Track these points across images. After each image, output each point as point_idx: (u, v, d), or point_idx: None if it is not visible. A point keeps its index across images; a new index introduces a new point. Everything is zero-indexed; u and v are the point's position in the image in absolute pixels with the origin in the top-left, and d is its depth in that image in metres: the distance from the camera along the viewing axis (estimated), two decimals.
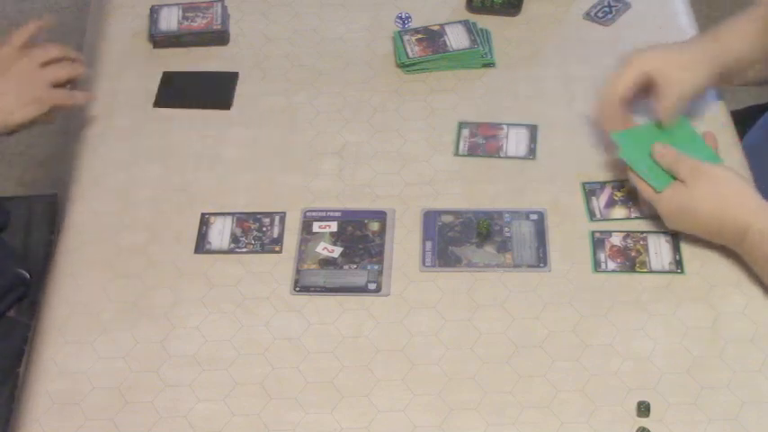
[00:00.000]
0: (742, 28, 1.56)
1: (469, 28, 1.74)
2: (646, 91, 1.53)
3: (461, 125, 1.62)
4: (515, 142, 1.59)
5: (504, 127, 1.62)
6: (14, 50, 1.57)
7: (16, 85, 1.54)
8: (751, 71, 1.59)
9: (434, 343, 1.36)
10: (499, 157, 1.58)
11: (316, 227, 1.49)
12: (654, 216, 1.48)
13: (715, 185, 1.40)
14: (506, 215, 1.50)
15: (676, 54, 1.53)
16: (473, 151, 1.59)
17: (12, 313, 1.65)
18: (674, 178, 1.42)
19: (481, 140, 1.60)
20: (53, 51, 1.59)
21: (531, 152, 1.58)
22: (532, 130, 1.61)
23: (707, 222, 1.41)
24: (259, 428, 1.29)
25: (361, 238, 1.48)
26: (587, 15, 1.81)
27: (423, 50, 1.71)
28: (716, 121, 1.61)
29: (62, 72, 1.58)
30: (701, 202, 1.40)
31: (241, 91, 1.70)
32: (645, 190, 1.45)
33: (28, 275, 1.66)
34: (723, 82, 1.58)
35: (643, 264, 1.43)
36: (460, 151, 1.59)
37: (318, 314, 1.40)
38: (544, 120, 1.63)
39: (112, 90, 1.70)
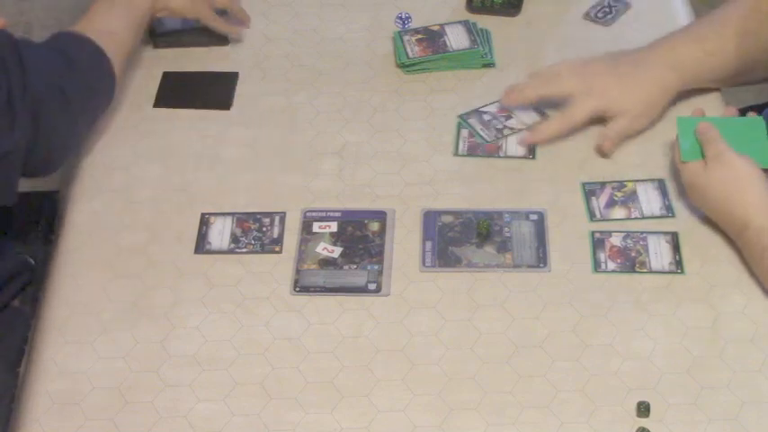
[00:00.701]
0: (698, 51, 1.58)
1: (469, 28, 1.74)
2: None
3: (461, 125, 1.62)
4: (515, 142, 1.59)
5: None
6: None
7: None
8: (731, 81, 1.63)
9: (434, 343, 1.36)
10: (499, 157, 1.58)
11: (316, 227, 1.49)
12: (654, 216, 1.48)
13: (730, 174, 1.42)
14: (506, 215, 1.50)
15: (636, 98, 1.56)
16: (473, 151, 1.59)
17: (16, 303, 1.65)
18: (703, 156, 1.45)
19: (480, 140, 1.60)
20: None
21: (531, 152, 1.58)
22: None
23: (714, 207, 1.43)
24: (259, 428, 1.29)
25: (361, 239, 1.48)
26: (587, 15, 1.81)
27: (423, 50, 1.71)
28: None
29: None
30: (713, 186, 1.42)
31: (241, 91, 1.70)
32: (675, 154, 1.48)
33: (32, 261, 1.66)
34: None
35: (643, 264, 1.43)
36: (460, 151, 1.59)
37: (318, 314, 1.40)
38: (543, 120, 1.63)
39: None
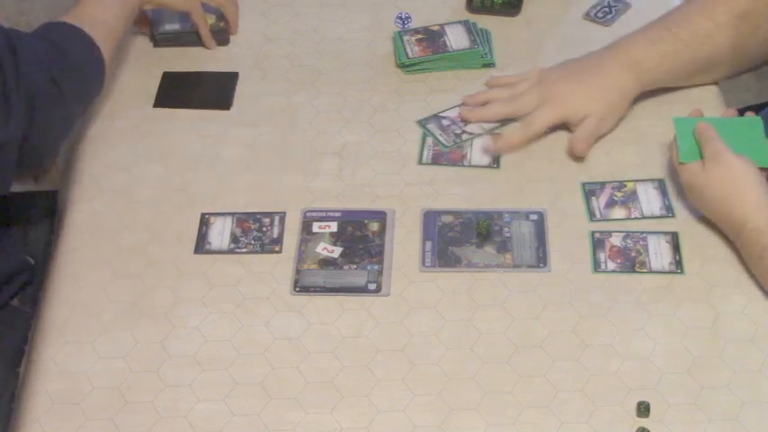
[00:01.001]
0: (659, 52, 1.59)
1: (469, 28, 1.74)
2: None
3: (425, 133, 1.62)
4: (479, 151, 1.59)
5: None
6: None
7: None
8: (688, 81, 1.64)
9: (434, 343, 1.36)
10: (463, 165, 1.57)
11: (316, 227, 1.49)
12: (654, 216, 1.48)
13: (728, 174, 1.42)
14: (506, 215, 1.50)
15: (597, 102, 1.57)
16: (437, 160, 1.58)
17: (15, 303, 1.65)
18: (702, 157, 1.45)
19: (445, 149, 1.59)
20: None
21: (496, 161, 1.57)
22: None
23: (712, 207, 1.43)
24: (259, 428, 1.29)
25: (361, 239, 1.48)
26: (587, 15, 1.81)
27: (423, 50, 1.71)
28: None
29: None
30: (711, 186, 1.43)
31: (241, 91, 1.70)
32: (672, 155, 1.49)
33: (32, 261, 1.66)
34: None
35: (643, 264, 1.44)
36: (424, 160, 1.58)
37: (318, 314, 1.40)
38: None
39: (112, 90, 1.70)
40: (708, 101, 1.64)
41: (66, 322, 1.39)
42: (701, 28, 1.58)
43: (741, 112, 1.69)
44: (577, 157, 1.56)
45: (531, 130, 1.57)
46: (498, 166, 1.57)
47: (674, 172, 1.51)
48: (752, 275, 1.41)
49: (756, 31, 1.58)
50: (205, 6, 1.79)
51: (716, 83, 1.66)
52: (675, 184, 1.52)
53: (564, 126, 1.61)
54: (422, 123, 1.62)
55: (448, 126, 1.61)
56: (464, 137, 1.60)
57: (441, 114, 1.64)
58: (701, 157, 1.45)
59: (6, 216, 1.70)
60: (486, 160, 1.58)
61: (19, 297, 1.66)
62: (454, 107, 1.64)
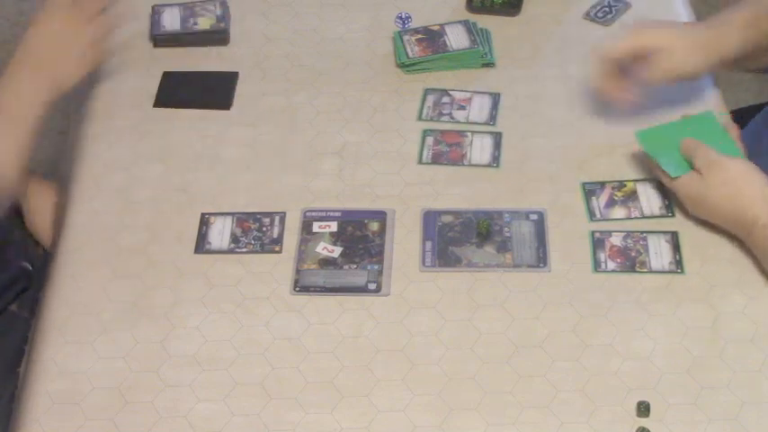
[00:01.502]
0: (737, 19, 1.56)
1: (469, 28, 1.74)
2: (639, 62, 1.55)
3: (426, 132, 1.62)
4: (478, 150, 1.59)
5: (469, 135, 1.61)
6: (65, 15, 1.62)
7: (67, 47, 1.60)
8: (752, 62, 1.60)
9: (434, 343, 1.36)
10: (463, 165, 1.57)
11: (316, 227, 1.49)
12: (654, 216, 1.48)
13: (728, 176, 1.41)
14: (506, 215, 1.50)
15: (680, 37, 1.54)
16: (437, 159, 1.58)
17: (14, 308, 1.65)
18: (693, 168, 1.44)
19: (445, 148, 1.60)
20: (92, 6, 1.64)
21: (496, 160, 1.57)
22: (497, 137, 1.61)
23: (719, 212, 1.43)
24: (259, 428, 1.29)
25: (361, 238, 1.48)
26: (587, 15, 1.81)
27: (423, 50, 1.71)
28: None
29: (102, 30, 1.64)
30: (713, 192, 1.42)
31: (241, 91, 1.70)
32: (662, 177, 1.48)
33: (30, 267, 1.66)
34: (722, 68, 1.59)
35: (643, 264, 1.44)
36: (424, 159, 1.58)
37: (318, 314, 1.40)
38: (543, 120, 1.63)
39: (112, 90, 1.70)
40: (708, 101, 1.64)
41: (67, 322, 1.39)
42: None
43: (741, 111, 1.69)
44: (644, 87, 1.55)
45: (613, 49, 1.53)
46: (498, 166, 1.57)
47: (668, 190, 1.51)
48: (752, 275, 1.41)
49: None
50: (205, 6, 1.79)
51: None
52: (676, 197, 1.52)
53: (565, 126, 1.61)
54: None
55: (444, 103, 1.63)
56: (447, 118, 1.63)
57: (448, 90, 1.66)
58: (691, 168, 1.44)
59: (7, 223, 1.70)
60: (486, 159, 1.58)
61: (17, 303, 1.66)
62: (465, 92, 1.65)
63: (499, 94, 1.66)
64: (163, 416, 1.30)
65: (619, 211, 1.50)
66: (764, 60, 1.62)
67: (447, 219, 1.50)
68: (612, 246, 1.45)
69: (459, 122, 1.63)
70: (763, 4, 1.57)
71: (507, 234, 1.48)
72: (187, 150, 1.61)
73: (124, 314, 1.40)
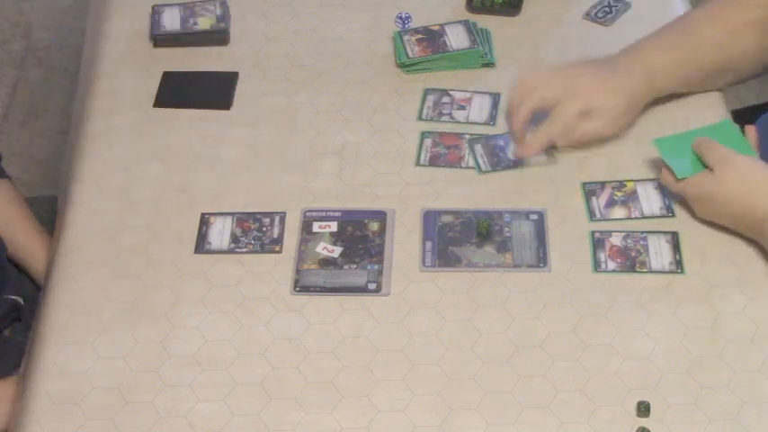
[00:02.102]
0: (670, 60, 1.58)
1: (469, 28, 1.74)
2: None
3: (424, 134, 1.62)
4: (475, 153, 1.59)
5: (467, 136, 1.61)
6: None
7: None
8: (699, 87, 1.63)
9: (434, 343, 1.36)
10: (461, 167, 1.57)
11: (316, 227, 1.49)
12: (654, 216, 1.48)
13: (741, 173, 1.41)
14: (506, 215, 1.50)
15: (617, 99, 1.55)
16: (435, 161, 1.58)
17: (7, 333, 1.65)
18: (703, 168, 1.44)
19: (443, 150, 1.60)
20: None
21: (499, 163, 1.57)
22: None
23: (729, 210, 1.42)
24: (259, 428, 1.29)
25: (361, 238, 1.48)
26: (587, 15, 1.81)
27: (423, 50, 1.71)
28: (717, 118, 1.60)
29: None
30: (726, 189, 1.42)
31: (241, 91, 1.70)
32: (669, 182, 1.47)
33: (22, 301, 1.66)
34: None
35: (643, 264, 1.44)
36: (422, 161, 1.58)
37: (318, 314, 1.40)
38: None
39: (112, 90, 1.70)
40: (708, 100, 1.64)
41: (66, 322, 1.39)
42: (713, 35, 1.57)
43: (741, 111, 1.69)
44: (559, 147, 1.55)
45: (556, 124, 1.53)
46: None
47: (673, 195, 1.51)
48: (752, 275, 1.41)
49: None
50: (205, 6, 1.79)
51: (730, 85, 1.65)
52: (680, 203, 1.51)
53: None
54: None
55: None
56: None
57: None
58: (698, 169, 1.44)
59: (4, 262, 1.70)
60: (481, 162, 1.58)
61: (10, 329, 1.66)
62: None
63: (499, 94, 1.66)
64: (163, 416, 1.30)
65: (619, 211, 1.50)
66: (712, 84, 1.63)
67: (447, 219, 1.50)
68: (612, 246, 1.45)
69: (459, 122, 1.63)
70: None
71: (507, 234, 1.48)
72: (187, 150, 1.61)
73: (124, 314, 1.40)
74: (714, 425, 1.27)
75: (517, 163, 1.56)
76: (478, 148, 1.58)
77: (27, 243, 1.70)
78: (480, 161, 1.57)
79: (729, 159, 1.42)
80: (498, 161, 1.57)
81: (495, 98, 1.66)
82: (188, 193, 1.55)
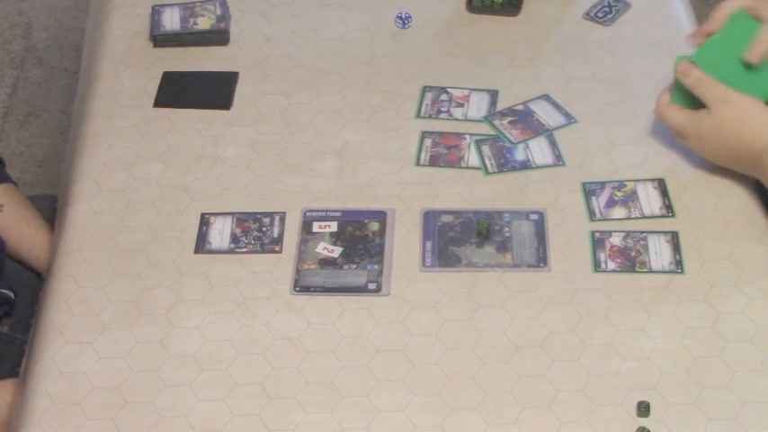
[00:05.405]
0: None
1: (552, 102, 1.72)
2: None
3: (424, 134, 1.62)
4: (475, 153, 1.58)
5: (467, 137, 1.61)
6: None
7: None
8: None
9: (434, 343, 1.36)
10: (460, 167, 1.57)
11: (316, 227, 1.49)
12: (654, 216, 1.48)
13: (737, 110, 1.43)
14: (506, 215, 1.50)
15: None
16: (434, 162, 1.57)
17: (6, 329, 1.65)
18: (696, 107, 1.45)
19: (443, 150, 1.59)
20: None
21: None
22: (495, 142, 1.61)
23: (725, 146, 1.45)
24: (259, 428, 1.29)
25: (361, 238, 1.48)
26: (587, 15, 1.81)
27: (521, 134, 1.61)
28: None
29: None
30: (723, 126, 1.44)
31: (241, 91, 1.70)
32: (661, 97, 1.49)
33: (12, 295, 1.66)
34: None
35: (643, 264, 1.44)
36: (422, 161, 1.58)
37: (318, 314, 1.40)
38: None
39: (112, 90, 1.70)
40: None
41: (67, 322, 1.39)
42: None
43: None
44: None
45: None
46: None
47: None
48: (752, 275, 1.41)
49: None
50: (205, 6, 1.79)
51: None
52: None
53: (568, 126, 1.61)
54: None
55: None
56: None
57: (447, 88, 1.64)
58: (691, 105, 1.46)
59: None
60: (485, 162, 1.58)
61: (8, 324, 1.66)
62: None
63: (497, 91, 1.66)
64: (163, 416, 1.30)
65: (619, 211, 1.50)
66: None
67: (447, 219, 1.50)
68: (612, 246, 1.46)
69: (456, 120, 1.62)
70: None
71: (507, 234, 1.48)
72: (187, 150, 1.61)
73: (124, 314, 1.40)
74: (714, 425, 1.27)
75: (525, 165, 1.56)
76: (486, 149, 1.58)
77: (42, 240, 1.69)
78: (488, 162, 1.57)
79: (728, 96, 1.44)
80: (505, 162, 1.57)
81: (493, 95, 1.66)
82: (188, 193, 1.55)
